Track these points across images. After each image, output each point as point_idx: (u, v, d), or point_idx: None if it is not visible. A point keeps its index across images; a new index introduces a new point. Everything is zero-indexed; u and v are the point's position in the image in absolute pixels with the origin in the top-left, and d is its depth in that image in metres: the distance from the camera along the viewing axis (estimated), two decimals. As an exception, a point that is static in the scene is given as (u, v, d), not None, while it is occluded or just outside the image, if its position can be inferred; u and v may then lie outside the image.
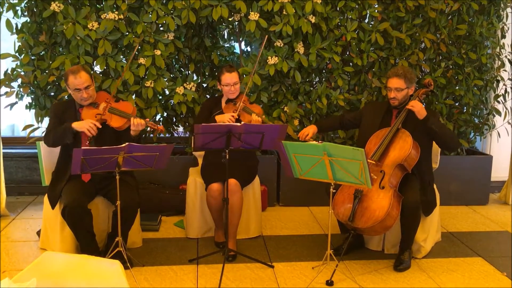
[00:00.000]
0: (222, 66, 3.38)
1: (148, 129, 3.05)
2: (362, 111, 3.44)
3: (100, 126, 2.92)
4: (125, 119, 3.00)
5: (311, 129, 3.32)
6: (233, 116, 3.18)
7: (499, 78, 4.39)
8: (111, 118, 3.01)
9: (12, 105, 3.84)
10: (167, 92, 3.94)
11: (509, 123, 4.43)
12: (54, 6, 3.53)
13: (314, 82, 4.26)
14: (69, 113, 3.06)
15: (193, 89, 3.86)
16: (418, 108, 3.02)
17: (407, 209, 2.94)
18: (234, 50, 4.48)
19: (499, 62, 4.35)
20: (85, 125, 2.88)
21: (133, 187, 3.04)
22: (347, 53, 4.14)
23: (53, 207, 2.98)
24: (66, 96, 3.73)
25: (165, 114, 4.11)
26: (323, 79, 4.21)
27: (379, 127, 3.19)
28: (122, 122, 3.00)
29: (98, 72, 3.84)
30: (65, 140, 2.94)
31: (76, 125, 2.90)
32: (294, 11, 3.67)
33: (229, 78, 3.27)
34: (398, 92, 3.12)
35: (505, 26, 4.34)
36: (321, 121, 3.61)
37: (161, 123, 4.14)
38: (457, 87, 4.25)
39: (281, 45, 3.82)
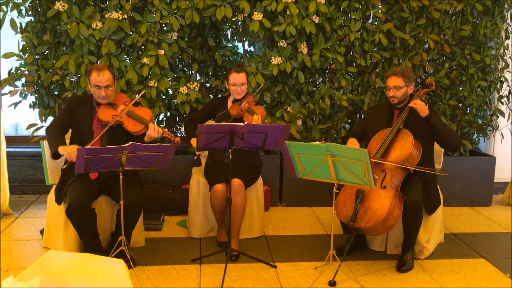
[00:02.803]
0: (232, 66, 3.39)
1: (165, 138, 3.05)
2: (365, 118, 3.43)
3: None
4: (143, 125, 3.01)
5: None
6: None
7: (503, 79, 4.38)
8: (129, 121, 3.01)
9: (16, 104, 3.85)
10: (170, 92, 3.95)
11: (512, 124, 4.42)
12: (58, 6, 3.54)
13: (317, 83, 4.26)
14: (84, 109, 3.08)
15: (197, 89, 3.87)
16: (420, 106, 3.02)
17: (409, 208, 2.94)
18: (238, 50, 4.48)
19: (503, 63, 4.34)
20: (68, 150, 2.78)
21: (138, 187, 3.04)
22: (351, 53, 4.14)
23: (59, 203, 2.99)
24: (69, 95, 3.74)
25: (168, 113, 4.11)
26: (326, 79, 4.21)
27: (384, 128, 3.19)
28: (140, 128, 3.01)
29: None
30: (50, 149, 2.92)
31: (60, 149, 2.83)
32: (297, 11, 3.67)
33: (236, 78, 3.28)
34: (397, 90, 3.13)
35: (509, 27, 4.33)
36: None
37: (164, 123, 4.15)
38: (460, 88, 4.24)
39: (285, 45, 3.82)
